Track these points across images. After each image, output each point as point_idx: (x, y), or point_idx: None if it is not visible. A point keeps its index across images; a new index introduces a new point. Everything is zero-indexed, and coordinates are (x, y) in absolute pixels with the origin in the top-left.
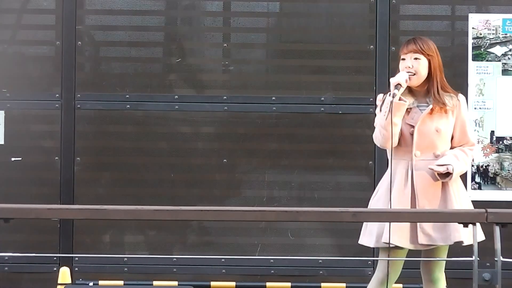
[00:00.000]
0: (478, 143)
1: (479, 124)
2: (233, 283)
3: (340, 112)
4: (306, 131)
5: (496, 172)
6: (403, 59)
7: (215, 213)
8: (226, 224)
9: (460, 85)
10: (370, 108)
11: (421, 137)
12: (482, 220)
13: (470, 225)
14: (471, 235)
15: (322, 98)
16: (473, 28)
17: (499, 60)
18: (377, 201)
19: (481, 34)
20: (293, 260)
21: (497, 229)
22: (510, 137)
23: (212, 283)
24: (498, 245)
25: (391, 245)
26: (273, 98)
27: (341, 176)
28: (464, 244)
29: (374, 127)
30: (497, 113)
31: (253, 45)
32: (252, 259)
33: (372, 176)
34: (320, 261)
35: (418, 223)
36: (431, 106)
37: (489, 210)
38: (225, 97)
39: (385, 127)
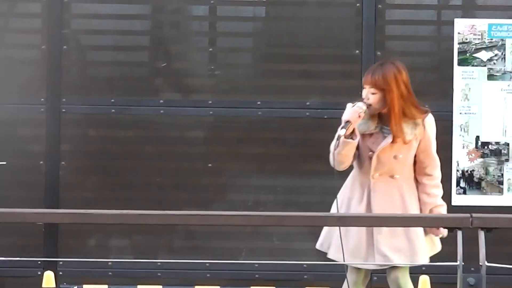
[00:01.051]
0: (464, 148)
1: (464, 129)
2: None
3: (325, 116)
4: (292, 136)
5: (481, 177)
6: (364, 88)
7: (201, 217)
8: (212, 229)
9: (445, 90)
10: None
11: (379, 163)
12: (467, 225)
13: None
14: (431, 248)
15: (308, 103)
16: (458, 33)
17: (485, 65)
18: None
19: (466, 39)
20: (278, 265)
21: (482, 234)
22: (495, 142)
23: (197, 287)
24: (482, 250)
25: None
26: (259, 102)
27: (327, 181)
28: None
29: (334, 158)
30: (482, 118)
31: (239, 50)
32: (237, 264)
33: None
34: (304, 265)
35: (375, 244)
36: (389, 140)
37: (474, 215)
38: (210, 102)
39: (334, 156)
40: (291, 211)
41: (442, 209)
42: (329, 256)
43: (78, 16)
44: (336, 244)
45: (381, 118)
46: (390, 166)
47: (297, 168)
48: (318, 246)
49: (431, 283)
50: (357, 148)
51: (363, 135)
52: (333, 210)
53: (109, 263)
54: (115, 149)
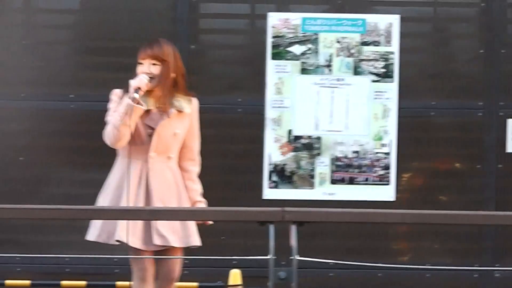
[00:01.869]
0: (276, 141)
1: (277, 123)
2: (28, 281)
3: None
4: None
5: (293, 171)
6: (141, 63)
7: (13, 210)
8: (22, 222)
9: (258, 83)
10: None
11: (159, 140)
12: (278, 218)
13: None
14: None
15: None
16: (272, 27)
17: (298, 59)
18: (105, 198)
19: (280, 33)
20: (88, 259)
21: (293, 228)
22: (307, 136)
23: (7, 281)
24: (294, 243)
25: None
26: (71, 96)
27: None
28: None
29: (118, 130)
30: (295, 112)
31: (55, 42)
32: (48, 258)
33: None
34: (115, 259)
35: (153, 225)
36: (173, 111)
37: (285, 209)
38: (23, 95)
39: (118, 128)
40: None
41: (203, 205)
42: (116, 238)
43: None
44: (120, 227)
45: (155, 97)
46: (168, 144)
47: (110, 162)
48: (94, 237)
49: (243, 277)
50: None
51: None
52: (103, 198)
53: None
54: None
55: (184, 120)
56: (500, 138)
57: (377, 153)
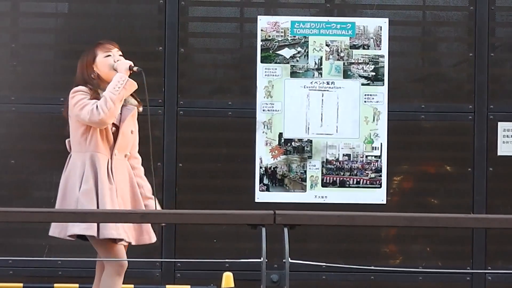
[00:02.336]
0: (267, 145)
1: (267, 126)
2: (21, 284)
3: None
4: None
5: (284, 174)
6: (109, 55)
7: (2, 214)
8: (14, 225)
9: (248, 87)
10: (159, 110)
11: (122, 138)
12: (270, 221)
13: None
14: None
15: None
16: (262, 30)
17: (288, 62)
18: (88, 195)
19: (269, 36)
20: (81, 262)
21: (285, 231)
22: (298, 139)
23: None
24: (286, 246)
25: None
26: (62, 99)
27: None
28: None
29: (91, 110)
30: (285, 115)
31: (41, 46)
32: (40, 261)
33: (161, 177)
34: None
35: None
36: (135, 109)
37: (277, 212)
38: (12, 98)
39: (115, 102)
40: None
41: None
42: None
43: None
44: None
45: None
46: (128, 142)
47: None
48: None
49: (235, 280)
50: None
51: None
52: (85, 196)
53: None
54: None
55: (135, 119)
56: (490, 141)
57: (367, 156)
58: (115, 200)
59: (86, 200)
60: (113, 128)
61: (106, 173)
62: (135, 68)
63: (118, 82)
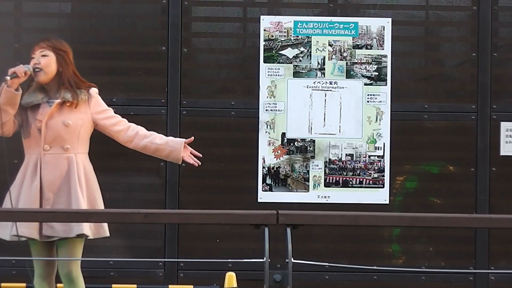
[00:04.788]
0: (270, 145)
1: (270, 126)
2: (24, 284)
3: (131, 113)
4: (95, 133)
5: (287, 173)
6: (33, 57)
7: (4, 214)
8: None
9: (251, 87)
10: (162, 110)
11: (49, 131)
12: (273, 221)
13: None
14: (96, 229)
15: (114, 99)
16: (264, 30)
17: (291, 62)
18: (13, 195)
19: (272, 36)
20: (84, 261)
21: (288, 231)
22: (301, 139)
23: (3, 284)
24: (289, 246)
25: (23, 238)
26: None
27: (132, 178)
28: (90, 238)
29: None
30: (288, 115)
31: None
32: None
33: (164, 177)
34: (111, 262)
35: None
36: (57, 101)
37: (280, 211)
38: None
39: None
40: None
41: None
42: (13, 233)
43: None
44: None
45: (46, 91)
46: (59, 134)
47: (103, 165)
48: (8, 237)
49: (238, 280)
50: (24, 123)
51: (32, 108)
52: (7, 200)
53: None
54: None
55: (80, 111)
56: (493, 141)
57: (370, 156)
58: (33, 197)
59: (5, 204)
60: (39, 124)
61: (33, 171)
62: (7, 83)
63: None
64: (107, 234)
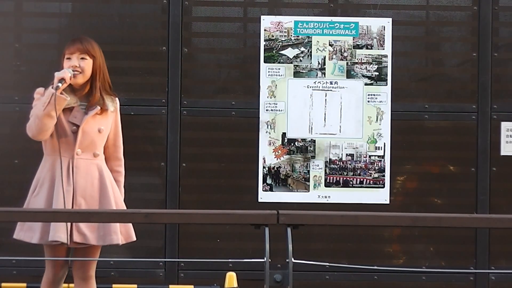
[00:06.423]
0: (270, 145)
1: (270, 126)
2: (24, 284)
3: (132, 113)
4: None
5: (288, 173)
6: (69, 58)
7: (6, 214)
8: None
9: (251, 87)
10: (163, 110)
11: (84, 136)
12: (273, 221)
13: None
14: (128, 234)
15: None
16: (265, 30)
17: (291, 62)
18: (39, 197)
19: (273, 36)
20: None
21: (288, 231)
22: (301, 139)
23: (3, 284)
24: (289, 246)
25: (54, 243)
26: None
27: (133, 177)
28: (120, 244)
29: (41, 121)
30: (289, 115)
31: (45, 46)
32: (43, 261)
33: (164, 177)
34: (111, 262)
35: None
36: (99, 108)
37: (280, 211)
38: (16, 98)
39: (41, 118)
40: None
41: None
42: (51, 238)
43: None
44: (53, 228)
45: (75, 93)
46: (93, 141)
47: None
48: (36, 240)
49: (238, 280)
50: (56, 125)
51: (63, 111)
52: (36, 197)
53: None
54: None
55: (108, 118)
56: (494, 141)
57: (371, 156)
58: (70, 202)
59: (34, 204)
60: (74, 128)
61: (66, 174)
62: (58, 89)
63: (47, 98)
64: (134, 238)
